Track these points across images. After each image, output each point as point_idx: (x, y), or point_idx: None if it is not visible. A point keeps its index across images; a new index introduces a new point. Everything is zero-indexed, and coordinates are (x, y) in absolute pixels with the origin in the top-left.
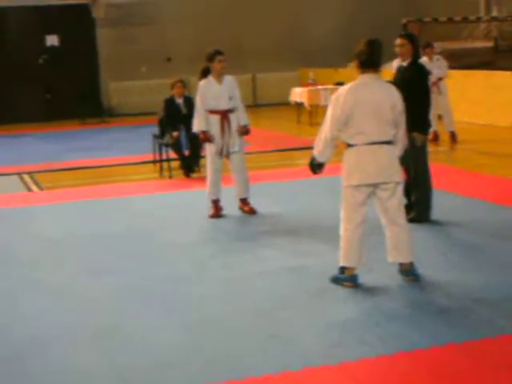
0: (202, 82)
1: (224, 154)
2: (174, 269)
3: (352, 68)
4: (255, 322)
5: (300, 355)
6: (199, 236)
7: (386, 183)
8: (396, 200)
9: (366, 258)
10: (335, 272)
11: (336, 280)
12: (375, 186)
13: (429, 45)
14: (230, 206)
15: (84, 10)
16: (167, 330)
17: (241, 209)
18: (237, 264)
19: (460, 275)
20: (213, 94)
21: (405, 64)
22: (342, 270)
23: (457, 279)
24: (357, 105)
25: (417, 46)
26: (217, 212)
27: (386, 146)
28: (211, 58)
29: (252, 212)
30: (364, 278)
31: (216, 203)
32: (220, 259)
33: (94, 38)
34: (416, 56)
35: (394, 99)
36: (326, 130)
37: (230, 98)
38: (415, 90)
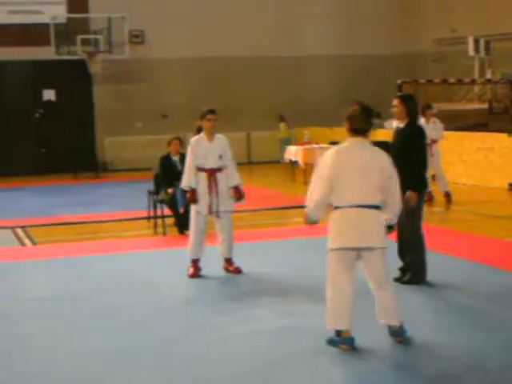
0: (193, 139)
1: (213, 212)
2: (166, 329)
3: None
4: None
5: None
6: (190, 296)
7: (371, 249)
8: (380, 265)
9: (355, 319)
10: (325, 333)
11: (332, 342)
12: (359, 249)
13: (428, 106)
14: (215, 266)
15: (81, 65)
16: None
17: (226, 269)
18: (228, 324)
19: (454, 339)
20: (202, 151)
21: (402, 125)
22: (338, 332)
23: (451, 343)
24: (343, 167)
25: (411, 106)
26: (196, 272)
27: (369, 211)
28: (202, 116)
29: (237, 272)
30: (358, 340)
31: (196, 263)
32: (211, 319)
33: (91, 93)
34: (413, 117)
35: (382, 164)
36: (315, 192)
37: (220, 157)
38: (411, 150)
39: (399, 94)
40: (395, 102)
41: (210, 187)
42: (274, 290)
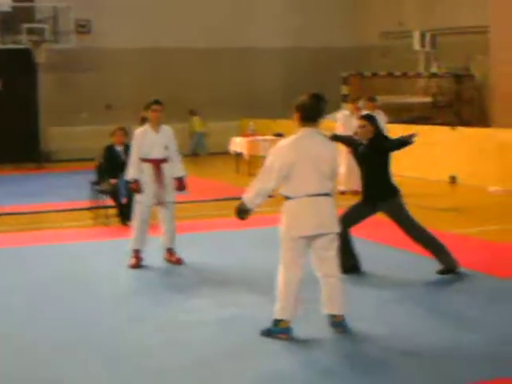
0: (138, 130)
1: (160, 203)
2: (107, 320)
3: (293, 120)
4: (195, 374)
5: None
6: (131, 286)
7: (325, 234)
8: (333, 251)
9: (300, 310)
10: (267, 323)
11: (269, 333)
12: (314, 237)
13: (371, 99)
14: (156, 256)
15: (26, 54)
16: (105, 381)
17: (167, 259)
18: (171, 315)
19: (392, 329)
20: (148, 142)
21: (365, 141)
22: (277, 322)
23: (389, 332)
24: (298, 158)
25: (377, 125)
26: (137, 262)
27: (325, 198)
28: (147, 107)
29: (179, 262)
30: (296, 330)
31: (138, 253)
32: (153, 310)
33: (36, 82)
34: (377, 134)
35: (332, 153)
36: (263, 180)
37: (166, 148)
38: (376, 163)
39: (364, 114)
40: (362, 122)
41: (156, 177)
42: (216, 281)
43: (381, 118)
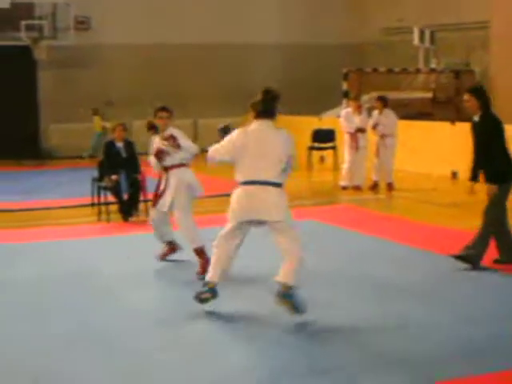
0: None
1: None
2: (104, 315)
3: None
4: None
5: None
6: (132, 282)
7: (264, 221)
8: (287, 238)
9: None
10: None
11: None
12: (252, 221)
13: (379, 98)
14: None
15: (26, 51)
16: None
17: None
18: (168, 311)
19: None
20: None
21: (476, 118)
22: (205, 284)
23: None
24: (244, 146)
25: (483, 98)
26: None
27: (264, 187)
28: (154, 114)
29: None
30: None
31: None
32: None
33: (35, 79)
34: (485, 108)
35: (283, 143)
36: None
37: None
38: (490, 144)
39: (470, 87)
40: (466, 96)
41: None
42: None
43: (391, 116)
